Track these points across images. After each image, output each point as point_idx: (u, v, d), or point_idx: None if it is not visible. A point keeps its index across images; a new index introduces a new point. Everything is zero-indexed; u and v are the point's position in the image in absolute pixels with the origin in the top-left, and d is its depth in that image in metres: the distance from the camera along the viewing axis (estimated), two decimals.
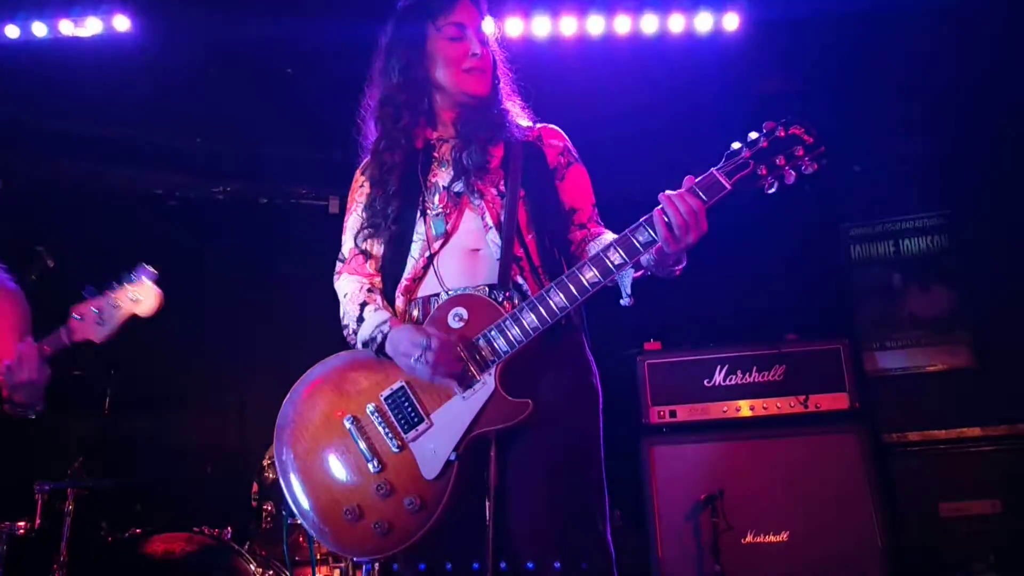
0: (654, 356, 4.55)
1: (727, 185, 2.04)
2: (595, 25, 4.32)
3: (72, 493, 4.16)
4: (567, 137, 2.48)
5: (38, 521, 4.09)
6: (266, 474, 4.48)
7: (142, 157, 5.51)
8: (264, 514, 4.41)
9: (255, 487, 4.62)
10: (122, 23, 4.18)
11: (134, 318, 2.58)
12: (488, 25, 2.44)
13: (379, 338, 2.18)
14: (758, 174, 2.06)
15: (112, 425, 4.76)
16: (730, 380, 4.40)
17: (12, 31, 4.16)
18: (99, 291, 2.68)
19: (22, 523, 3.98)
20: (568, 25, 4.33)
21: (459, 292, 2.21)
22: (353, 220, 2.44)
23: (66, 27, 4.15)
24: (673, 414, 4.41)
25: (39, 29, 4.17)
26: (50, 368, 2.70)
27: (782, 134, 2.07)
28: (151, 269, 2.68)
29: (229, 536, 4.16)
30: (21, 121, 4.77)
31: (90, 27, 4.19)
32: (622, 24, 4.33)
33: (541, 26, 4.34)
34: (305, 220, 5.88)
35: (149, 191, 5.70)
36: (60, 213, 5.15)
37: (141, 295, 2.47)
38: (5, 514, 4.16)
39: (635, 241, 2.08)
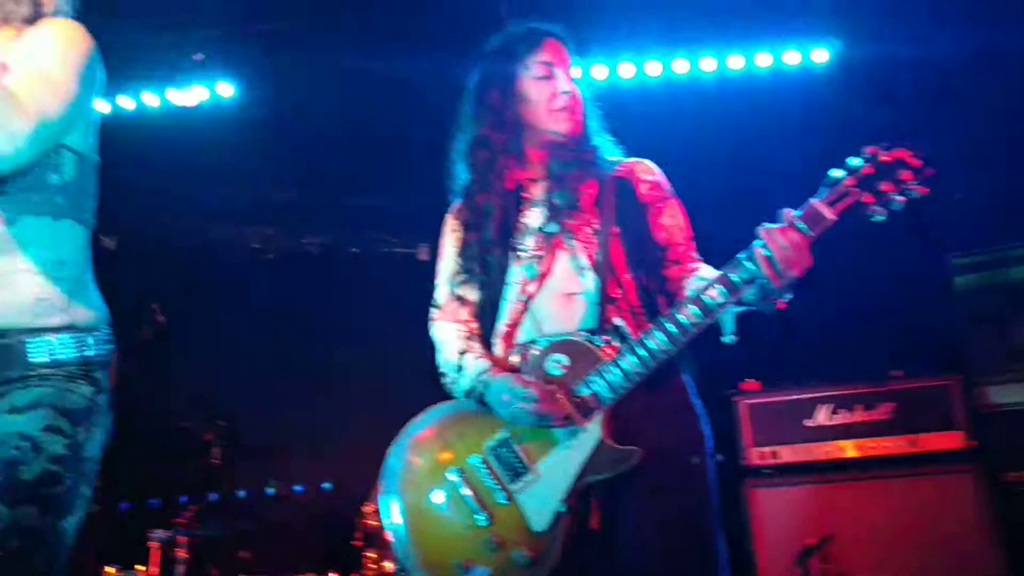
0: (753, 396, 4.45)
1: (830, 216, 1.96)
2: (681, 66, 4.33)
3: (184, 541, 4.32)
4: (659, 171, 2.42)
5: (154, 569, 4.24)
6: (368, 521, 4.55)
7: (241, 213, 5.76)
8: (366, 561, 4.47)
9: (358, 534, 4.70)
10: (226, 89, 4.40)
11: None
12: (575, 69, 2.45)
13: (479, 387, 2.18)
14: (862, 202, 1.97)
15: (220, 474, 4.92)
16: (834, 419, 4.27)
17: (126, 102, 4.43)
18: None
19: (141, 569, 4.14)
20: (653, 68, 4.36)
21: (558, 337, 2.19)
22: (447, 265, 2.44)
23: (174, 96, 4.39)
24: (775, 455, 4.30)
25: (150, 99, 4.42)
26: None
27: (886, 158, 1.96)
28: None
29: None
30: (134, 184, 5.03)
31: (196, 95, 4.42)
32: (707, 63, 4.33)
33: (626, 70, 4.38)
34: (395, 268, 6.01)
35: (248, 245, 5.93)
36: (169, 270, 5.41)
37: None
38: (122, 562, 4.34)
39: (735, 278, 2.02)
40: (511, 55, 2.37)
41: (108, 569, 4.26)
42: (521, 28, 2.42)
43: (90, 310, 1.82)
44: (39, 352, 1.71)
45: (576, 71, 2.43)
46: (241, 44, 4.34)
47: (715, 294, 2.04)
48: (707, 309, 2.04)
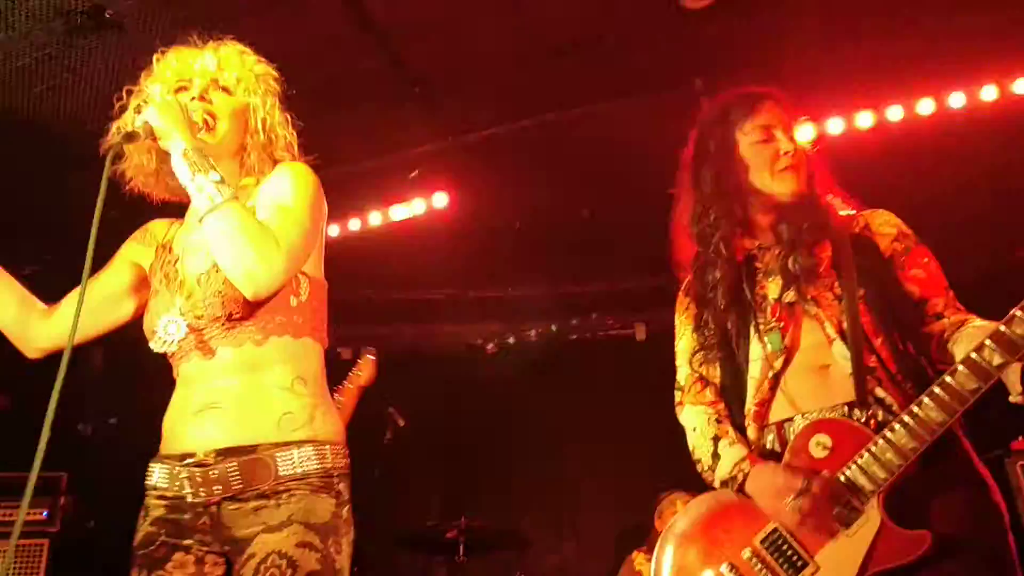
0: None
1: None
2: (925, 107, 4.15)
3: None
4: (899, 220, 2.24)
5: None
6: None
7: (461, 312, 6.02)
8: None
9: None
10: (440, 200, 4.67)
11: (362, 390, 2.83)
12: (802, 126, 2.36)
13: (740, 477, 2.09)
14: None
15: (465, 569, 5.02)
16: None
17: (354, 224, 4.80)
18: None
19: None
20: (894, 112, 4.20)
21: (816, 416, 2.06)
22: (684, 344, 2.35)
23: (397, 212, 4.71)
24: None
25: (375, 218, 4.77)
26: None
27: None
28: (371, 349, 2.95)
29: None
30: (367, 296, 5.41)
31: (415, 207, 4.72)
32: (956, 99, 4.12)
33: (864, 119, 4.24)
34: (614, 351, 6.03)
35: (469, 342, 6.17)
36: (399, 374, 5.71)
37: (361, 371, 2.75)
38: None
39: (1014, 334, 1.81)
40: (727, 121, 2.29)
41: None
42: (736, 93, 2.35)
43: (329, 424, 1.92)
44: (287, 465, 1.82)
45: (798, 130, 2.35)
46: (452, 156, 4.59)
47: (991, 355, 1.83)
48: (984, 373, 1.84)
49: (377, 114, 4.22)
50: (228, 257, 1.78)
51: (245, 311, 1.86)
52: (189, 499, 1.85)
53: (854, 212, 2.28)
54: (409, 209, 4.79)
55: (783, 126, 2.26)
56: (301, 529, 1.78)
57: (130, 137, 1.85)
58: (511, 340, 6.15)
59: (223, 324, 1.87)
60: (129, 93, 2.06)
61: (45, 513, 4.35)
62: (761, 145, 2.24)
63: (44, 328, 2.04)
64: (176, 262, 2.01)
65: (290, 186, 1.94)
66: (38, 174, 4.01)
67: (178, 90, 1.99)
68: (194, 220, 1.96)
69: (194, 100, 1.96)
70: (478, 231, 5.11)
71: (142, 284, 2.10)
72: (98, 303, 2.07)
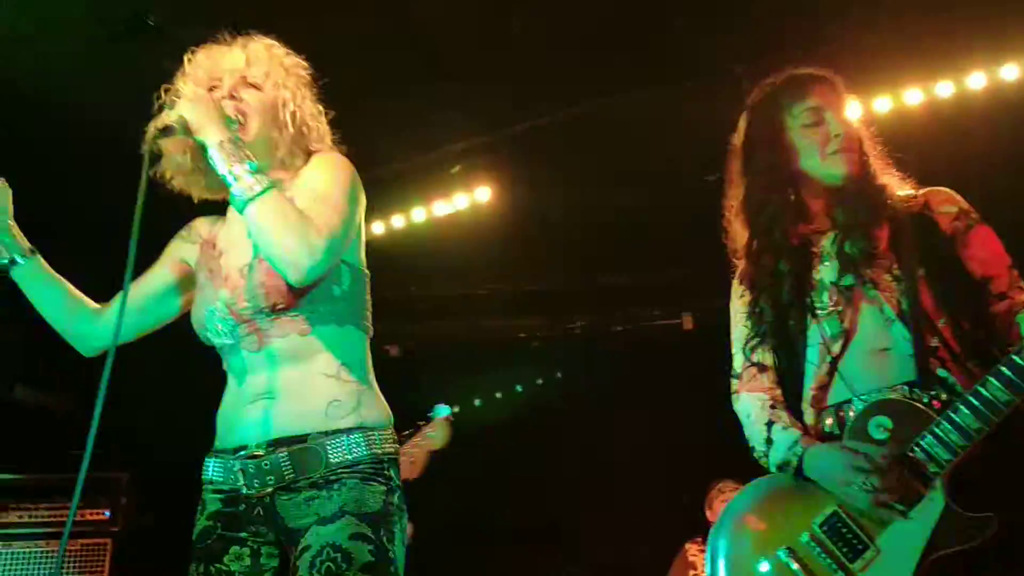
0: None
1: None
2: (977, 81, 4.04)
3: None
4: (960, 197, 2.19)
5: None
6: None
7: (505, 306, 6.03)
8: None
9: None
10: (483, 194, 4.67)
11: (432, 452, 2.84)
12: (852, 107, 2.31)
13: (794, 460, 2.06)
14: None
15: (515, 559, 5.04)
16: None
17: (398, 220, 4.83)
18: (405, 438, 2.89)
19: None
20: (944, 88, 4.09)
21: (876, 398, 2.03)
22: (739, 332, 2.32)
23: (439, 208, 4.73)
24: None
25: (418, 214, 4.80)
26: None
27: None
28: (446, 407, 2.93)
29: None
30: (411, 294, 5.45)
31: (456, 202, 4.73)
32: (1009, 71, 4.01)
33: (913, 96, 4.14)
34: (661, 341, 5.98)
35: (514, 336, 6.18)
36: (445, 369, 5.74)
37: (435, 432, 2.72)
38: None
39: None
40: (776, 105, 2.26)
41: None
42: (784, 76, 2.31)
43: (376, 410, 1.93)
44: (337, 453, 1.83)
45: (851, 110, 2.29)
46: (492, 150, 4.59)
47: None
48: None
49: (416, 111, 4.23)
50: (270, 244, 1.80)
51: (289, 301, 1.88)
52: (244, 491, 1.88)
53: (912, 191, 2.23)
54: (452, 204, 4.79)
55: (834, 108, 2.22)
56: (353, 520, 1.79)
57: (165, 131, 1.87)
58: (554, 332, 6.13)
59: (267, 315, 1.89)
60: (166, 92, 2.08)
61: (107, 513, 4.45)
62: (811, 128, 2.20)
63: (96, 327, 2.08)
64: (220, 256, 2.04)
65: (327, 175, 1.96)
66: (84, 179, 4.08)
67: (209, 89, 2.01)
68: (234, 214, 1.98)
69: (224, 99, 1.98)
70: (521, 224, 5.10)
71: (188, 281, 2.13)
72: (146, 301, 2.11)
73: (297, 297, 1.88)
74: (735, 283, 2.38)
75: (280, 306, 1.88)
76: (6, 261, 2.03)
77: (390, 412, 1.99)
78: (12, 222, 2.03)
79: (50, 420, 4.96)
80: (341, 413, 1.86)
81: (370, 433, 1.88)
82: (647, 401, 5.60)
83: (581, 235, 5.29)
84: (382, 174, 4.46)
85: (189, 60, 2.08)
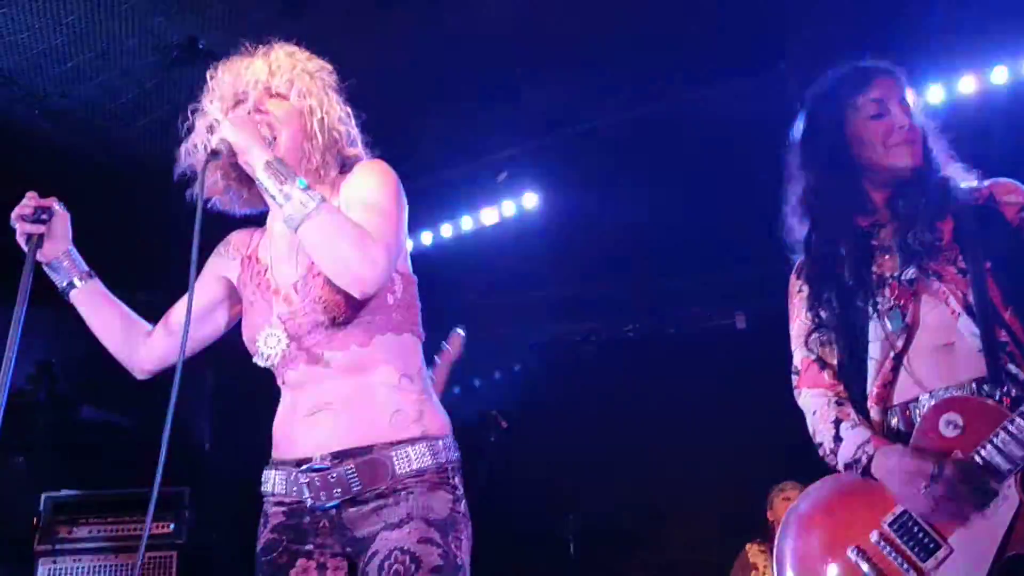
0: None
1: None
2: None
3: None
4: None
5: None
6: None
7: (557, 312, 6.02)
8: None
9: None
10: (530, 200, 4.69)
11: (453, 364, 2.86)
12: (911, 96, 2.26)
13: (863, 460, 2.01)
14: None
15: (578, 564, 5.03)
16: None
17: (446, 230, 4.86)
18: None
19: None
20: (999, 74, 3.99)
21: (944, 395, 1.98)
22: (799, 327, 2.27)
23: (487, 216, 4.76)
24: None
25: (466, 223, 4.83)
26: None
27: None
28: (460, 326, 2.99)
29: None
30: (466, 301, 5.47)
31: (505, 210, 4.75)
32: None
33: (967, 84, 4.05)
34: (714, 341, 5.92)
35: (570, 339, 6.16)
36: (499, 375, 5.76)
37: (451, 345, 2.76)
38: None
39: None
40: (838, 97, 2.22)
41: None
42: (845, 69, 2.28)
43: (438, 418, 1.92)
44: (403, 463, 1.82)
45: (912, 102, 2.23)
46: (538, 156, 4.60)
47: None
48: None
49: (462, 119, 4.26)
50: (332, 260, 1.79)
51: (348, 313, 1.87)
52: (308, 503, 1.87)
53: (976, 183, 2.18)
54: (500, 212, 4.81)
55: (896, 100, 2.18)
56: (422, 525, 1.79)
57: (214, 154, 1.88)
58: (609, 336, 6.10)
59: (326, 328, 1.88)
60: (194, 112, 2.08)
61: (172, 526, 4.54)
62: (874, 120, 2.16)
63: (146, 350, 2.11)
64: (266, 271, 2.02)
65: (374, 184, 1.94)
66: (144, 202, 4.19)
67: (236, 104, 2.00)
68: (278, 228, 1.99)
69: (250, 114, 1.96)
70: (570, 229, 5.10)
71: (230, 297, 2.13)
72: (194, 320, 2.06)
73: (355, 309, 1.87)
74: (793, 278, 2.35)
75: (340, 319, 1.87)
76: (65, 284, 2.06)
77: (449, 420, 1.98)
78: (71, 246, 2.07)
79: (114, 438, 5.09)
80: (405, 423, 1.86)
81: (434, 442, 1.87)
82: (703, 402, 5.55)
83: (630, 238, 5.26)
84: (429, 183, 4.50)
85: (212, 76, 2.07)
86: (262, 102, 1.98)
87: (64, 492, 4.53)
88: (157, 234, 4.32)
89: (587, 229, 5.11)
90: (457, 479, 1.91)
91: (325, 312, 1.86)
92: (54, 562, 4.35)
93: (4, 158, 3.98)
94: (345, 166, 2.05)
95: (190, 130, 2.06)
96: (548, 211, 4.84)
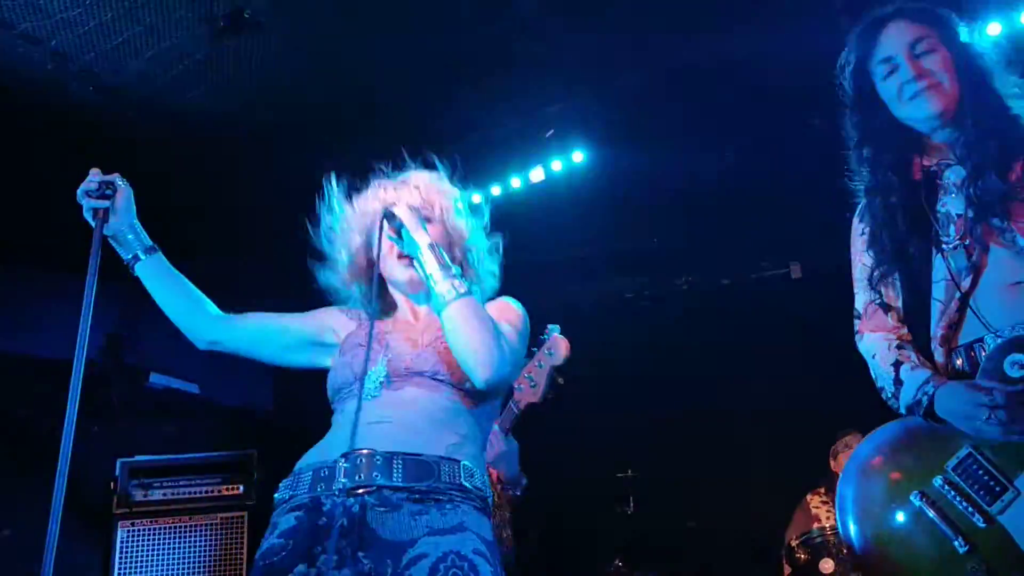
0: None
1: None
2: None
3: None
4: None
5: None
6: (797, 555, 4.39)
7: (610, 267, 6.00)
8: None
9: (787, 569, 4.55)
10: (579, 156, 4.66)
11: (555, 369, 2.87)
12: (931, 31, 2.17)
13: (924, 400, 1.99)
14: None
15: (635, 518, 5.07)
16: None
17: (495, 190, 4.85)
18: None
19: None
20: None
21: (1011, 334, 1.93)
22: (860, 272, 2.25)
23: (536, 174, 4.74)
24: None
25: (515, 182, 4.82)
26: (515, 441, 3.05)
27: None
28: (555, 326, 2.97)
29: None
30: (516, 260, 5.48)
31: (554, 167, 4.73)
32: None
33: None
34: (769, 291, 5.86)
35: (622, 295, 6.15)
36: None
37: (552, 347, 2.76)
38: None
39: None
40: (860, 56, 2.21)
41: None
42: (861, 25, 2.23)
43: (486, 473, 1.97)
44: (448, 474, 1.84)
45: (932, 42, 2.13)
46: (584, 111, 4.56)
47: None
48: None
49: (508, 77, 4.23)
50: (467, 341, 1.90)
51: (453, 380, 1.98)
52: (338, 489, 1.80)
53: None
54: (549, 169, 4.80)
55: (904, 48, 2.12)
56: (476, 538, 1.80)
57: (390, 217, 2.02)
58: (662, 291, 6.07)
59: (426, 378, 1.97)
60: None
61: (241, 488, 4.69)
62: (887, 80, 2.15)
63: (220, 328, 2.20)
64: (387, 335, 2.09)
65: (511, 310, 2.14)
66: (197, 173, 4.27)
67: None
68: (403, 313, 2.18)
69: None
70: (619, 184, 5.06)
71: (318, 348, 2.21)
72: (272, 333, 2.22)
73: (459, 383, 1.98)
74: (855, 221, 2.31)
75: (439, 376, 1.97)
76: (129, 257, 2.14)
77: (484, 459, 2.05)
78: (135, 220, 2.14)
79: (182, 404, 5.26)
80: (458, 452, 1.90)
81: (480, 478, 1.92)
82: (761, 352, 5.51)
83: (680, 190, 5.20)
84: (477, 142, 4.48)
85: (358, 198, 2.21)
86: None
87: (138, 457, 4.71)
88: (215, 203, 4.42)
89: (637, 183, 5.07)
90: (489, 511, 1.94)
91: (438, 365, 1.98)
92: (132, 524, 4.53)
93: (62, 136, 4.09)
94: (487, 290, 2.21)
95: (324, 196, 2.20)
96: (597, 167, 4.80)
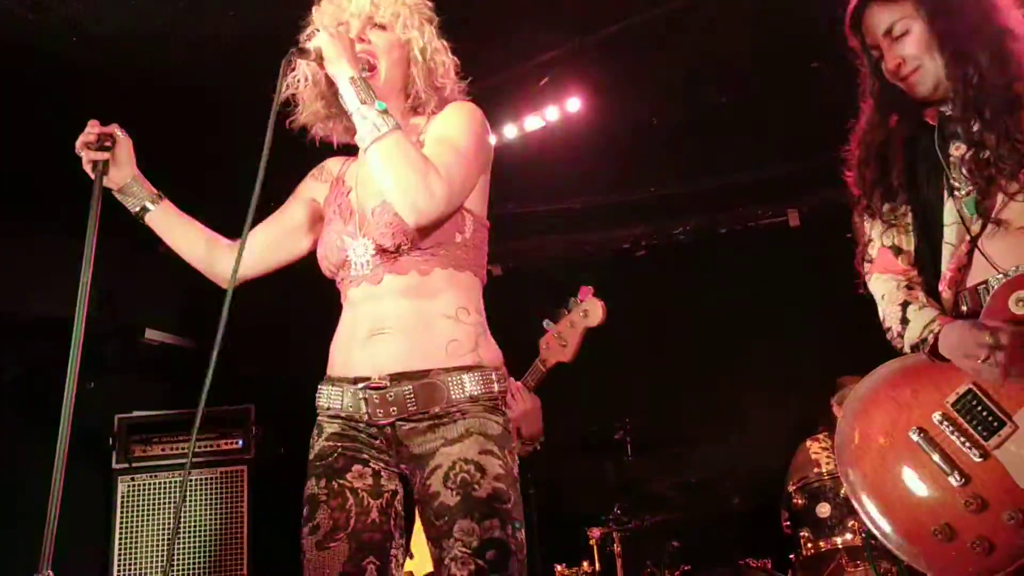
0: None
1: None
2: None
3: (618, 535, 4.51)
4: None
5: (598, 564, 4.48)
6: (794, 500, 4.42)
7: (606, 217, 5.95)
8: (802, 541, 4.33)
9: (784, 514, 4.58)
10: (573, 104, 4.59)
11: (588, 330, 2.84)
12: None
13: (930, 338, 1.99)
14: None
15: (634, 467, 5.10)
16: None
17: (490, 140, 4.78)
18: (554, 320, 2.89)
19: (586, 567, 4.41)
20: None
21: (1017, 272, 1.93)
22: (869, 221, 2.25)
23: (531, 122, 4.68)
24: None
25: (510, 131, 4.75)
26: (538, 398, 3.01)
27: None
28: (590, 287, 2.92)
29: (770, 567, 4.18)
30: (510, 212, 5.44)
31: (549, 115, 4.66)
32: None
33: None
34: (768, 240, 5.82)
35: (619, 246, 6.11)
36: (551, 286, 5.74)
37: (588, 308, 2.73)
38: (567, 560, 4.64)
39: None
40: (854, 43, 2.23)
41: (557, 568, 4.58)
42: (848, 7, 2.21)
43: (491, 350, 1.99)
44: (458, 389, 1.89)
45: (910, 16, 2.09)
46: (579, 57, 4.47)
47: None
48: None
49: (499, 24, 4.15)
50: (391, 185, 1.84)
51: (413, 242, 1.93)
52: (366, 418, 1.94)
53: None
54: (543, 118, 4.72)
55: (884, 39, 2.12)
56: (481, 439, 1.88)
57: (302, 52, 1.92)
58: (659, 240, 6.03)
59: (391, 254, 1.94)
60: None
61: (240, 442, 4.72)
62: (879, 64, 2.16)
63: (228, 263, 2.13)
64: (348, 193, 2.09)
65: (456, 122, 1.99)
66: (185, 123, 4.19)
67: None
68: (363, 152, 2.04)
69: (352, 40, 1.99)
70: (615, 132, 4.99)
71: (318, 220, 2.18)
72: (278, 238, 2.20)
73: (420, 240, 1.93)
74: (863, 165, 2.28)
75: (404, 247, 1.93)
76: (138, 208, 2.14)
77: (502, 354, 2.04)
78: (137, 171, 2.13)
79: (179, 360, 5.25)
80: (461, 352, 1.92)
81: (487, 372, 1.94)
82: (759, 301, 5.49)
83: (677, 138, 5.14)
84: (469, 92, 4.41)
85: (316, 8, 2.11)
86: (364, 31, 2.03)
87: (135, 413, 4.72)
88: (205, 153, 4.35)
89: (632, 131, 4.99)
90: (505, 406, 1.98)
91: (392, 239, 1.92)
92: (132, 479, 4.57)
93: (48, 88, 4.01)
94: (442, 103, 2.09)
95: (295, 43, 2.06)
96: (591, 114, 4.73)
